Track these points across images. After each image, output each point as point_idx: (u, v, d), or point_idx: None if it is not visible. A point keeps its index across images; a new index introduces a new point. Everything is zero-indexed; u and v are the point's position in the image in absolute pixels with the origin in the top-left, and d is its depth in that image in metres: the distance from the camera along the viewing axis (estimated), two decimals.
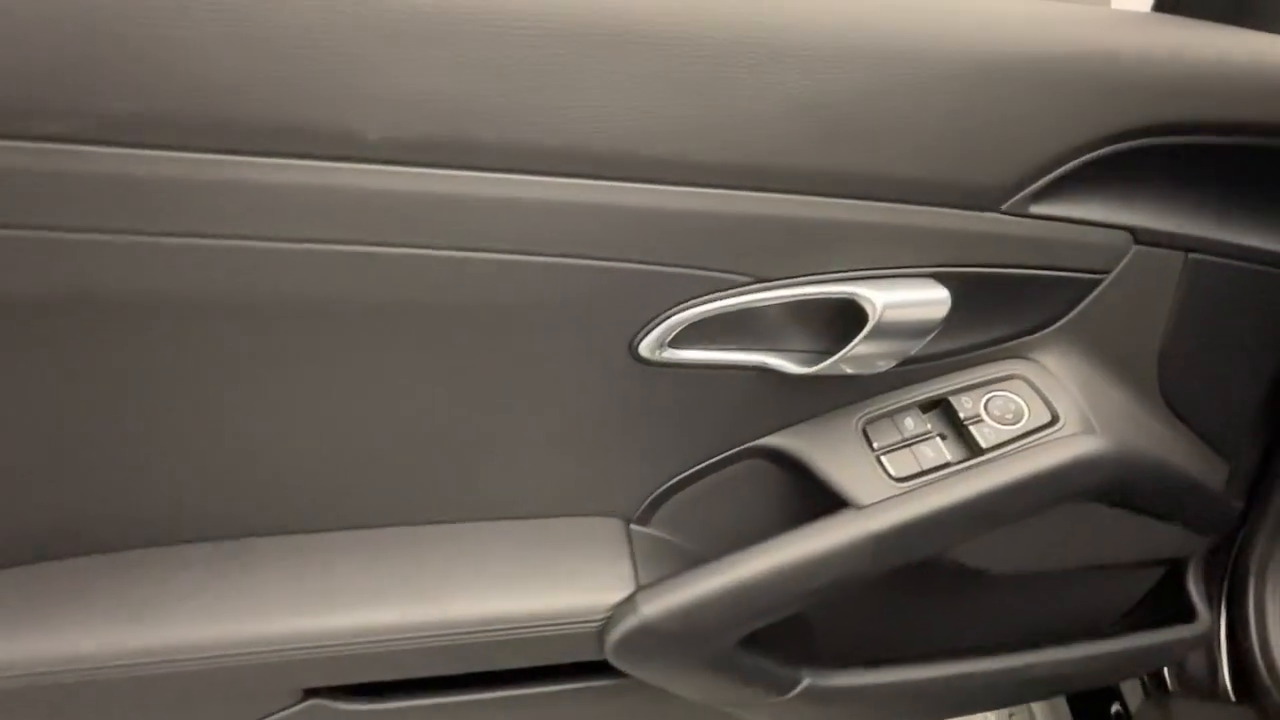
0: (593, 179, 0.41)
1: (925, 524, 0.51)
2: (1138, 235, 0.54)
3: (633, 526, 0.58)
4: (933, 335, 0.50)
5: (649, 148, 0.41)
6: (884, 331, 0.48)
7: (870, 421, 0.56)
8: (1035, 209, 0.49)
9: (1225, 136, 0.50)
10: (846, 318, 0.49)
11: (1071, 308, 0.55)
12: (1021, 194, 0.48)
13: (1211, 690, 0.87)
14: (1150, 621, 0.76)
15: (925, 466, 0.53)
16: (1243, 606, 0.86)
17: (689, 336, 0.48)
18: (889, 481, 0.53)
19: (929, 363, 0.56)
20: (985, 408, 0.55)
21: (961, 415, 0.55)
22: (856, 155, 0.44)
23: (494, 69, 0.38)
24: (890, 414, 0.56)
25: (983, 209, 0.48)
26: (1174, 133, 0.49)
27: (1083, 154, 0.48)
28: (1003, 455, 0.53)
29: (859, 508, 0.51)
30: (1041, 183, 0.48)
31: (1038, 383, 0.55)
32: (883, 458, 0.54)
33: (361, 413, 0.48)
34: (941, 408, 0.56)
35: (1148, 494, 0.60)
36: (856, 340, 0.48)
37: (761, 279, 0.46)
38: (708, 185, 0.42)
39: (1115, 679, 0.77)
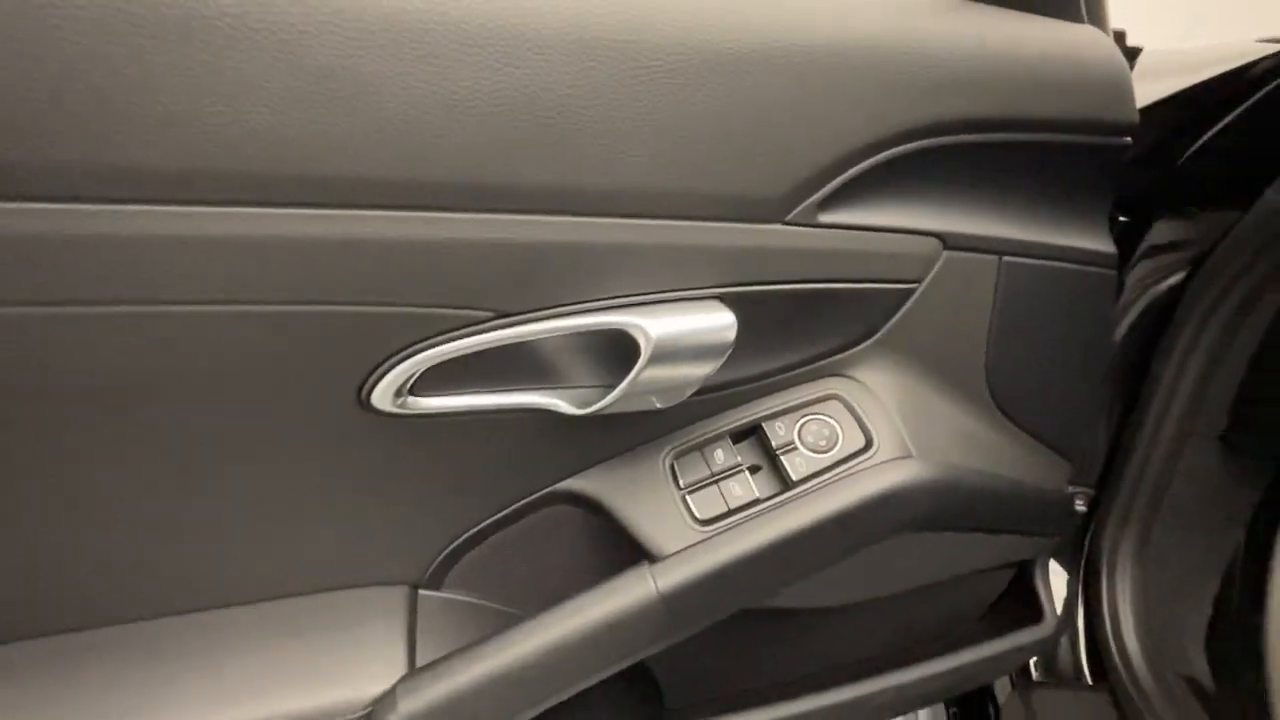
0: (266, 207, 0.32)
1: (725, 576, 0.44)
2: (946, 241, 0.49)
3: (422, 592, 0.50)
4: (724, 360, 0.44)
5: (315, 166, 0.32)
6: (665, 361, 0.41)
7: (680, 455, 0.49)
8: (825, 218, 0.43)
9: (1020, 134, 0.45)
10: (628, 348, 0.42)
11: (886, 319, 0.50)
12: (805, 203, 0.42)
13: (1073, 676, 0.86)
14: (1003, 625, 0.73)
15: (733, 505, 0.47)
16: (1095, 593, 0.85)
17: (434, 382, 0.40)
18: (692, 526, 0.46)
19: (740, 387, 0.49)
20: (799, 433, 0.49)
21: (774, 444, 0.48)
22: (594, 167, 0.37)
23: (121, 75, 0.29)
24: (701, 445, 0.49)
25: (763, 221, 0.42)
26: (965, 130, 0.44)
27: (867, 157, 0.42)
28: (813, 489, 0.47)
29: (652, 562, 0.44)
30: (826, 190, 0.42)
31: (854, 402, 0.50)
32: (689, 497, 0.47)
33: (67, 498, 0.38)
34: (755, 435, 0.50)
35: (979, 512, 0.55)
36: (631, 375, 0.41)
37: (504, 314, 0.38)
38: (403, 208, 0.34)
39: (970, 687, 0.75)
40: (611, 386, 0.42)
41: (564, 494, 0.49)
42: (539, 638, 0.42)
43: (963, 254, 0.50)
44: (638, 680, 0.57)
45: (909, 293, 0.49)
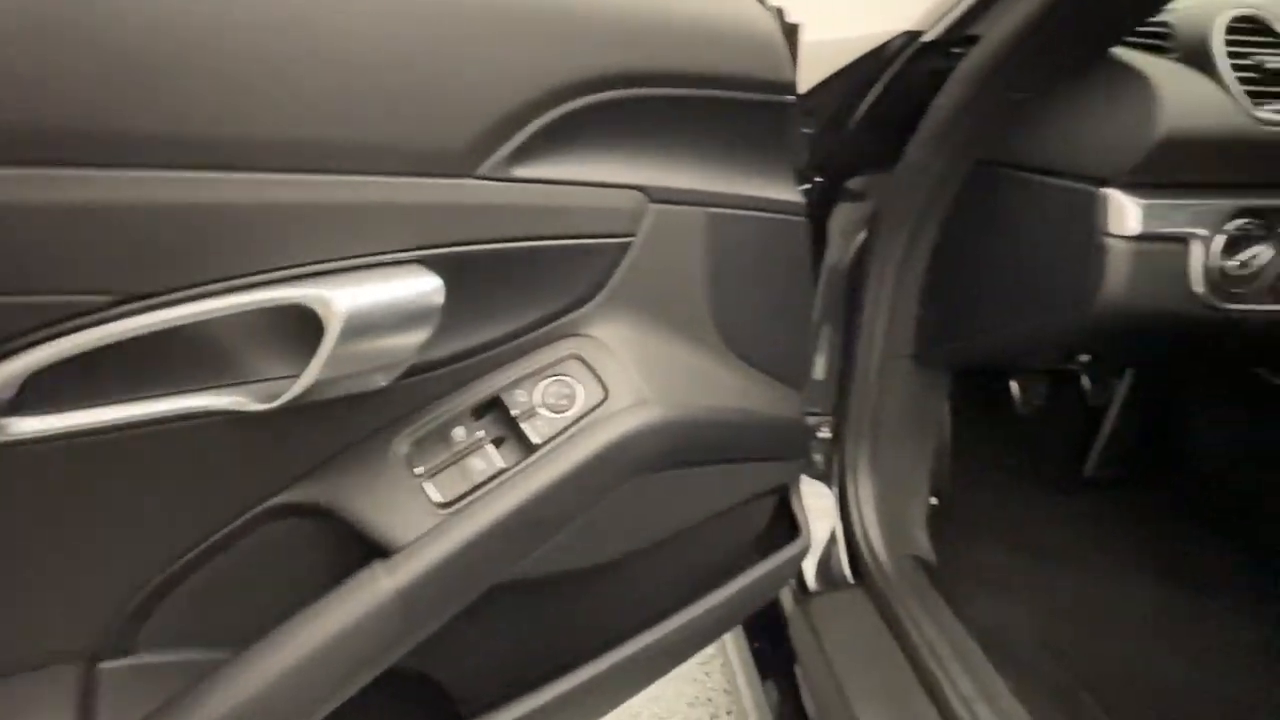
0: None
1: (466, 555, 0.41)
2: (650, 194, 0.50)
3: (103, 665, 0.40)
4: (436, 328, 0.41)
5: None
6: (363, 335, 0.37)
7: (418, 440, 0.45)
8: (519, 172, 0.42)
9: (687, 89, 0.48)
10: (320, 326, 0.37)
11: (609, 275, 0.51)
12: (494, 157, 0.40)
13: (843, 579, 0.97)
14: (771, 548, 0.80)
15: (476, 482, 0.44)
16: (846, 504, 0.97)
17: (50, 393, 0.31)
18: (432, 512, 0.42)
19: (472, 359, 0.47)
20: (540, 397, 0.48)
21: (514, 411, 0.47)
22: (238, 112, 0.31)
23: None
24: (440, 427, 0.46)
25: (453, 175, 0.39)
26: (632, 85, 0.45)
27: (548, 109, 0.42)
28: (555, 448, 0.46)
29: (385, 558, 0.40)
30: (514, 143, 0.41)
31: (591, 359, 0.50)
32: (427, 483, 0.43)
33: None
34: (496, 407, 0.48)
35: (719, 445, 0.59)
36: (319, 356, 0.36)
37: (132, 296, 0.31)
38: None
39: (752, 609, 0.81)
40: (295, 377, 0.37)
41: (282, 508, 0.42)
42: (253, 673, 0.36)
43: (670, 207, 0.52)
44: (416, 694, 0.52)
45: (626, 247, 0.50)
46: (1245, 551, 1.08)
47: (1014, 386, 1.15)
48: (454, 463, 0.44)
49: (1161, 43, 0.66)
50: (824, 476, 1.02)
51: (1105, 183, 0.61)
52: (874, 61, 0.80)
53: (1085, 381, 1.19)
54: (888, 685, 0.80)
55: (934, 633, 0.80)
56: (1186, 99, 0.59)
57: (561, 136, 0.43)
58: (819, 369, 1.01)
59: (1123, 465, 1.25)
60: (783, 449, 0.73)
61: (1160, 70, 0.61)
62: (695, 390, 0.56)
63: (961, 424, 1.05)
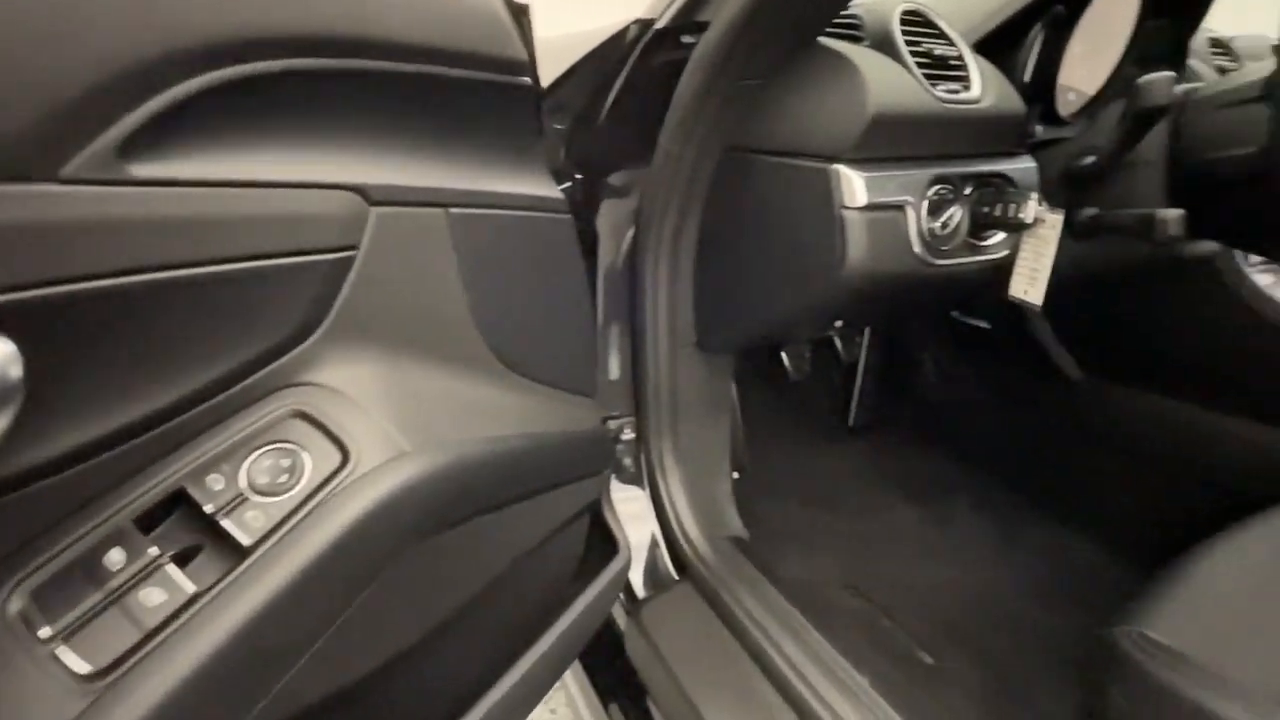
0: None
1: None
2: (369, 194, 0.40)
3: None
4: (10, 420, 0.26)
5: None
6: None
7: (39, 590, 0.29)
8: (141, 170, 0.29)
9: (421, 65, 0.39)
10: None
11: (330, 301, 0.39)
12: (90, 150, 0.27)
13: (668, 577, 0.94)
14: (594, 569, 0.74)
15: (150, 627, 0.30)
16: (659, 500, 0.95)
17: None
18: (80, 688, 0.27)
19: (120, 448, 0.32)
20: (250, 479, 0.35)
21: (210, 507, 0.33)
22: None
23: None
24: (78, 560, 0.30)
25: (15, 180, 0.25)
26: (341, 52, 0.35)
27: (176, 81, 0.29)
28: (279, 545, 0.33)
29: None
30: (122, 130, 0.28)
31: (319, 413, 0.38)
32: (62, 650, 0.28)
33: None
34: (180, 507, 0.34)
35: (514, 479, 0.51)
36: None
37: None
38: None
39: (587, 640, 0.75)
40: None
41: None
42: None
43: (399, 209, 0.42)
44: None
45: (347, 263, 0.39)
46: (971, 464, 1.29)
47: (785, 357, 1.23)
48: (106, 608, 0.29)
49: (855, 32, 0.73)
50: (635, 478, 0.99)
51: (834, 160, 0.65)
52: (613, 52, 0.77)
53: (838, 344, 1.32)
54: (724, 673, 0.78)
55: (757, 608, 0.81)
56: (886, 81, 0.64)
57: (213, 120, 0.31)
58: (613, 369, 0.98)
59: (875, 412, 1.42)
60: (586, 465, 0.66)
61: (862, 57, 0.66)
62: (468, 424, 0.46)
63: (745, 396, 1.09)
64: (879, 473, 1.32)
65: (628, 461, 0.99)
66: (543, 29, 0.77)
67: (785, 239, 0.71)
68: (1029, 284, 0.69)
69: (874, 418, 1.43)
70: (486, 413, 0.49)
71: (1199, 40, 0.91)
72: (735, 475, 1.09)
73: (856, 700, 0.66)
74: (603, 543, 0.76)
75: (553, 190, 0.57)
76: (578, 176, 0.85)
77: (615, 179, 0.90)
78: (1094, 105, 0.83)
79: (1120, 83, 0.82)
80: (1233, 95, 0.64)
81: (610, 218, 0.90)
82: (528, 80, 0.49)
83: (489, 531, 0.51)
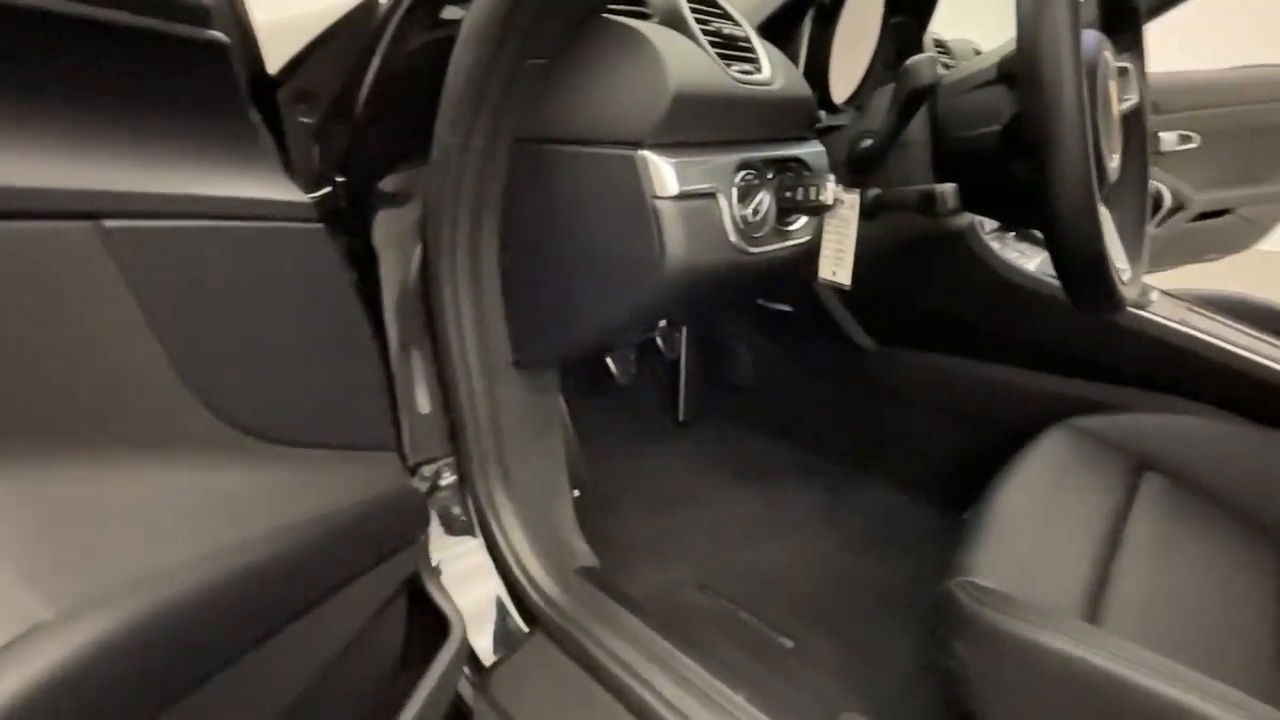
0: None
1: None
2: None
3: None
4: None
5: None
6: None
7: None
8: None
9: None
10: None
11: None
12: None
13: (519, 632, 0.82)
14: (420, 656, 0.59)
15: None
16: (494, 543, 0.82)
17: None
18: None
19: None
20: None
21: None
22: None
23: None
24: None
25: None
26: None
27: None
28: None
29: None
30: None
31: None
32: None
33: None
34: None
35: (286, 589, 0.36)
36: None
37: None
38: None
39: None
40: None
41: None
42: None
43: (23, 225, 0.26)
44: None
45: None
46: (793, 440, 1.34)
47: (610, 363, 1.17)
48: None
49: (641, 8, 0.67)
50: (467, 527, 0.85)
51: (638, 145, 0.58)
52: (360, 28, 0.63)
53: (660, 342, 1.30)
54: None
55: (616, 642, 0.73)
56: (683, 59, 0.59)
57: None
58: (422, 402, 0.83)
59: (701, 403, 1.43)
60: (392, 537, 0.52)
61: (656, 33, 0.60)
62: (184, 534, 0.31)
63: (574, 407, 1.00)
64: (713, 463, 1.32)
65: (456, 510, 0.85)
66: (265, 12, 0.60)
67: (597, 237, 0.64)
68: (836, 265, 0.70)
69: (701, 409, 1.44)
70: (218, 509, 0.34)
71: (926, 40, 1.01)
72: (576, 494, 1.00)
73: (724, 712, 0.61)
74: (430, 622, 0.62)
75: (289, 193, 0.42)
76: (339, 180, 0.69)
77: (389, 184, 0.75)
78: (860, 93, 0.88)
79: (878, 72, 0.88)
80: (976, 79, 0.69)
81: (390, 230, 0.75)
82: (219, 37, 0.35)
83: (265, 663, 0.36)
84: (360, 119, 0.65)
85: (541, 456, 0.88)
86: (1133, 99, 0.73)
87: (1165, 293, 0.95)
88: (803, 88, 0.72)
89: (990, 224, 1.00)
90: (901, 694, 0.83)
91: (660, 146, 0.59)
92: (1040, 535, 0.70)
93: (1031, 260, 0.98)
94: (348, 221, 0.72)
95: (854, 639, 0.92)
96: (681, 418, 1.41)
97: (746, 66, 0.67)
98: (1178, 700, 0.46)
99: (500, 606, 0.81)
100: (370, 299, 0.75)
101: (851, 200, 0.68)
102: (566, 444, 1.00)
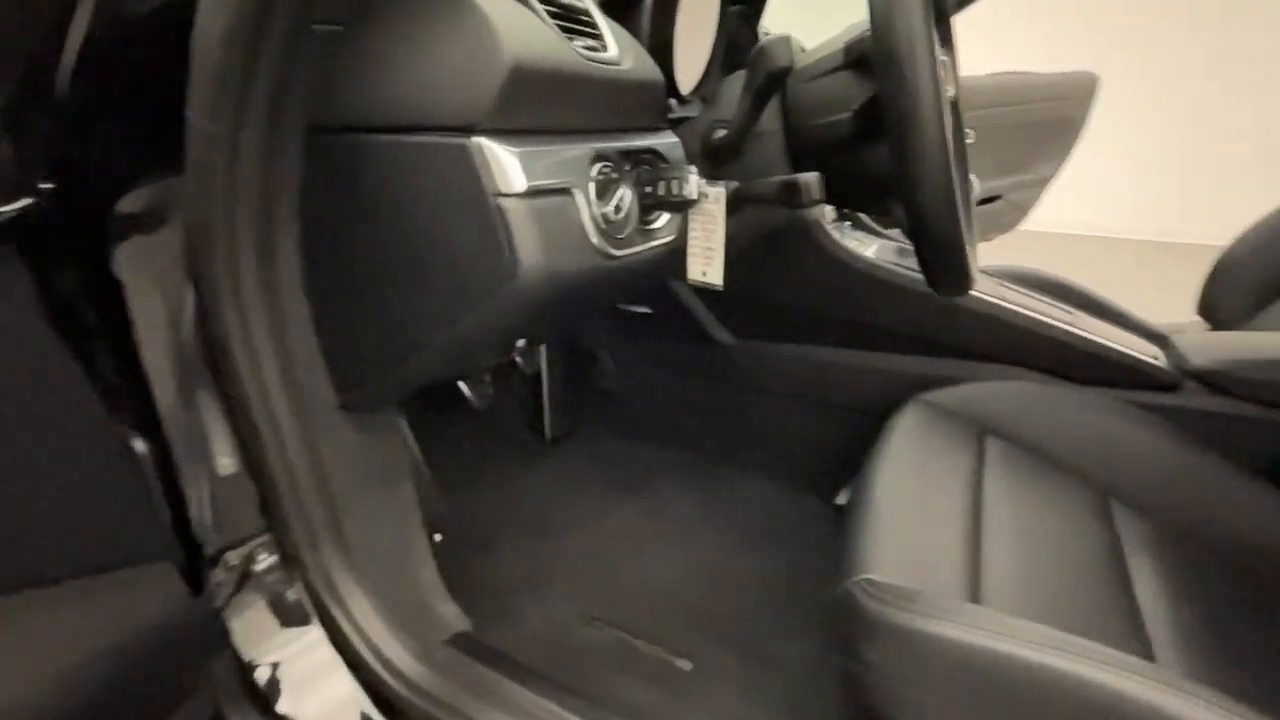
0: None
1: None
2: None
3: None
4: None
5: None
6: None
7: None
8: None
9: None
10: None
11: None
12: None
13: None
14: None
15: None
16: (340, 637, 0.66)
17: None
18: None
19: None
20: None
21: None
22: None
23: None
24: None
25: None
26: None
27: None
28: None
29: None
30: None
31: None
32: None
33: None
34: None
35: None
36: None
37: None
38: None
39: None
40: None
41: None
42: None
43: None
44: None
45: None
46: (665, 444, 1.29)
47: (464, 388, 1.03)
48: None
49: None
50: (301, 612, 0.67)
51: (470, 130, 0.47)
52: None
53: (518, 359, 1.18)
54: None
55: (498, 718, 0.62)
56: (517, 25, 0.49)
57: None
58: (222, 463, 0.64)
59: (569, 417, 1.33)
60: (161, 687, 0.36)
61: None
62: None
63: (425, 438, 0.85)
64: (588, 479, 1.24)
65: (290, 593, 0.67)
66: None
67: (431, 248, 0.52)
68: (706, 264, 0.64)
69: (569, 423, 1.34)
70: None
71: (760, 31, 1.01)
72: (438, 538, 0.86)
73: None
74: None
75: None
76: (47, 187, 0.49)
77: (130, 203, 0.56)
78: (705, 84, 0.83)
79: (719, 60, 0.84)
80: (823, 65, 0.67)
81: (140, 255, 0.56)
82: None
83: None
84: (65, 101, 0.46)
85: (387, 512, 0.73)
86: (952, 90, 0.75)
87: (983, 271, 1.03)
88: (653, 71, 0.65)
89: (829, 214, 1.02)
90: (806, 698, 0.81)
91: (499, 133, 0.48)
92: (917, 517, 0.70)
93: (868, 248, 1.01)
94: (69, 244, 0.52)
95: (751, 646, 0.88)
96: (549, 435, 1.30)
97: (590, 42, 0.58)
98: (1086, 676, 0.45)
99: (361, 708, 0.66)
100: (119, 345, 0.55)
101: (717, 194, 0.62)
102: (419, 487, 0.85)
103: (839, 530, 0.67)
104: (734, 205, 0.71)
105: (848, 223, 1.18)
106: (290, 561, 0.66)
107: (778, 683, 0.83)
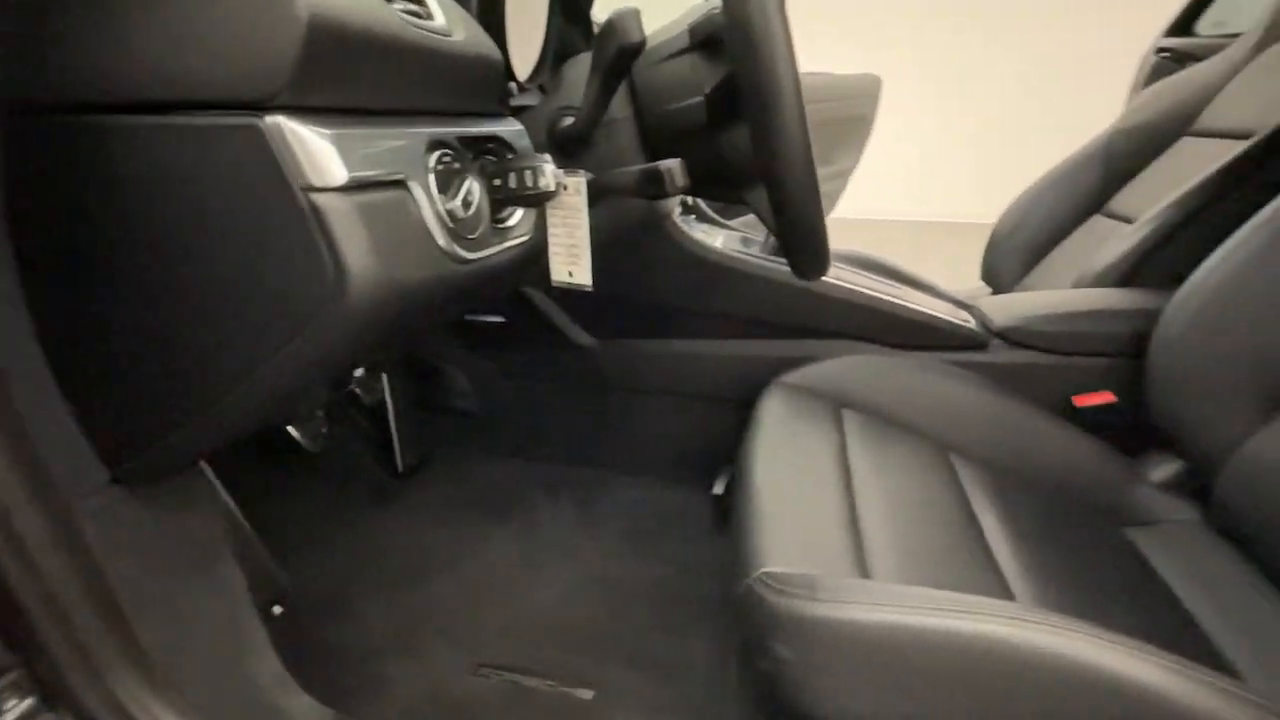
0: None
1: None
2: None
3: None
4: None
5: None
6: None
7: None
8: None
9: None
10: None
11: None
12: None
13: None
14: None
15: None
16: None
17: None
18: None
19: None
20: None
21: None
22: None
23: None
24: None
25: None
26: None
27: None
28: None
29: None
30: None
31: None
32: None
33: None
34: None
35: None
36: None
37: None
38: None
39: None
40: None
41: None
42: None
43: None
44: None
45: None
46: (532, 457, 1.21)
47: (291, 431, 0.86)
48: None
49: None
50: None
51: (262, 106, 0.36)
52: None
53: (357, 390, 1.02)
54: None
55: None
56: None
57: None
58: None
59: (423, 444, 1.19)
60: None
61: None
62: None
63: (245, 493, 0.69)
64: (451, 509, 1.11)
65: None
66: None
67: (220, 263, 0.39)
68: (571, 263, 0.58)
69: (423, 451, 1.20)
70: None
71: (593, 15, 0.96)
72: (278, 611, 0.71)
73: None
74: None
75: None
76: None
77: None
78: (541, 71, 0.77)
79: (554, 46, 0.78)
80: (667, 48, 0.64)
81: None
82: None
83: None
84: None
85: (201, 602, 0.57)
86: None
87: None
88: (490, 47, 0.57)
89: (676, 206, 1.01)
90: (717, 704, 0.79)
91: (303, 111, 0.37)
92: (798, 500, 0.70)
93: (715, 239, 1.02)
94: None
95: (652, 660, 0.84)
96: (401, 467, 1.15)
97: (411, 6, 0.49)
98: (967, 629, 0.47)
99: None
100: None
101: (576, 184, 0.56)
102: (246, 558, 0.68)
103: (723, 521, 0.65)
104: (593, 198, 0.66)
105: (693, 215, 1.19)
106: (57, 698, 0.48)
107: (685, 694, 0.80)
